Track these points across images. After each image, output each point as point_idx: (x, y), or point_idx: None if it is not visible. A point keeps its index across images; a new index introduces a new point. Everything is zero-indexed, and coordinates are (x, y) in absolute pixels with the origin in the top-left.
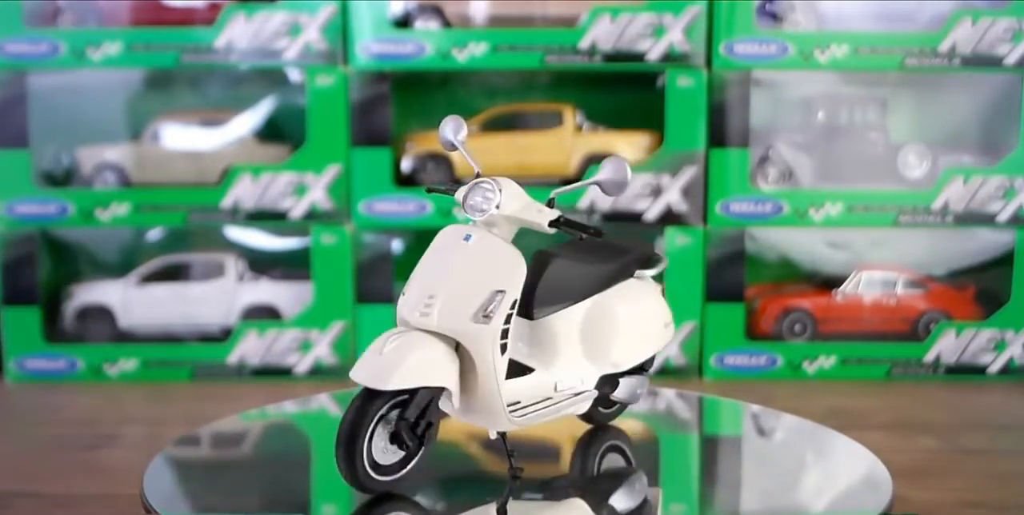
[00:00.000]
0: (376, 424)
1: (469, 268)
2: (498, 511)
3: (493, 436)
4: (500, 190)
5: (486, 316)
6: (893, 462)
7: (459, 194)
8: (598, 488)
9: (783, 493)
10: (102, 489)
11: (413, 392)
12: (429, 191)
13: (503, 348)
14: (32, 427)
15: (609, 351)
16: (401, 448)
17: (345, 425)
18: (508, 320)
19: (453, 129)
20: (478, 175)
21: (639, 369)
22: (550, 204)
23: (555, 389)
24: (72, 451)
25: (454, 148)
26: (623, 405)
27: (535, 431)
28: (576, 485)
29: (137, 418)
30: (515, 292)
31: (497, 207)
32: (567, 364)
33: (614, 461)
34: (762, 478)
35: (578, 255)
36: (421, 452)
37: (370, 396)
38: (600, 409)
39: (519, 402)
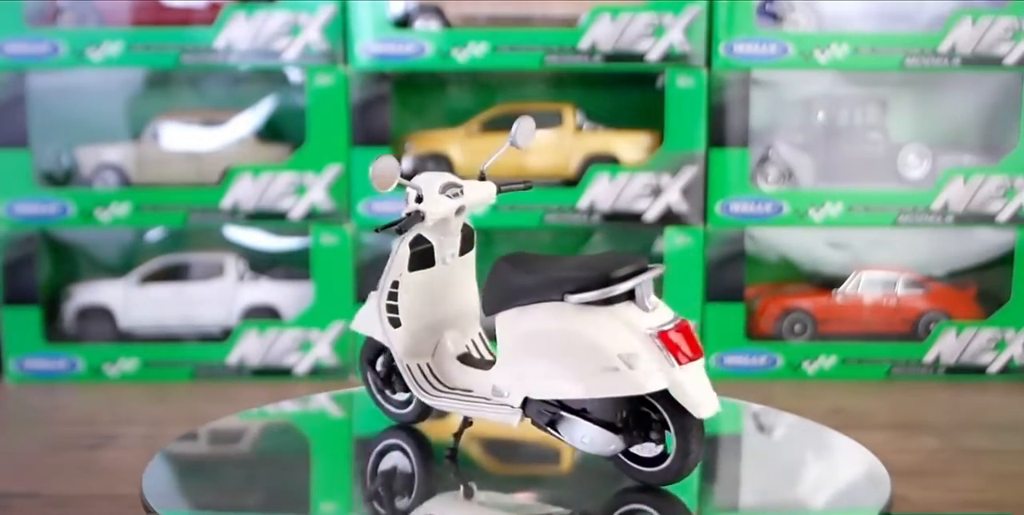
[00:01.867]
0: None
1: None
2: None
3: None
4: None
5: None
6: (893, 462)
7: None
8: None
9: (782, 492)
10: (102, 489)
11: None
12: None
13: (393, 322)
14: (32, 427)
15: (514, 373)
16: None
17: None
18: (393, 297)
19: (389, 174)
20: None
21: (604, 421)
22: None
23: (492, 391)
24: (72, 451)
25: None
26: (666, 470)
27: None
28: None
29: (137, 418)
30: (390, 275)
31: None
32: (497, 370)
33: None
34: (762, 477)
35: (526, 265)
36: (411, 399)
37: None
38: (625, 459)
39: (471, 390)
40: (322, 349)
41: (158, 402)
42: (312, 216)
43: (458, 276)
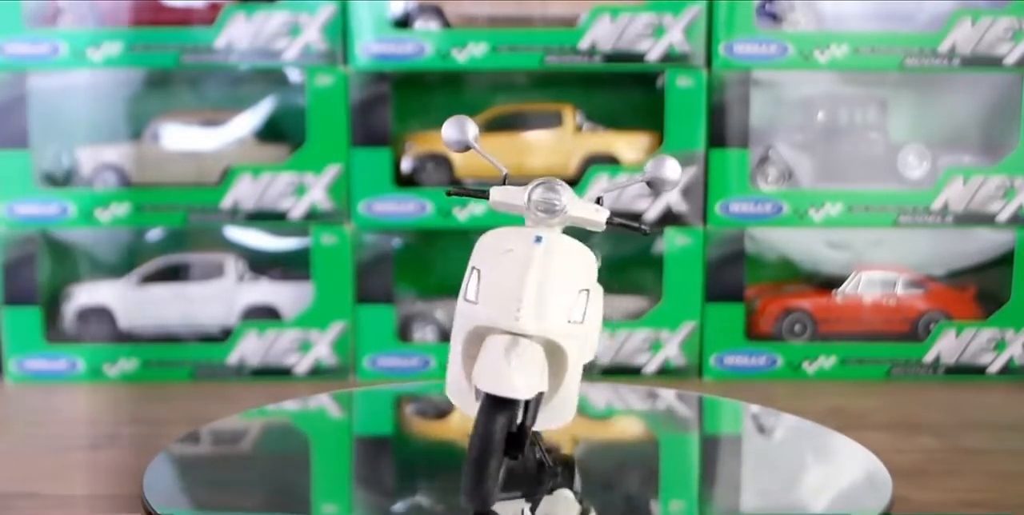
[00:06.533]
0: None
1: (552, 269)
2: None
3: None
4: (564, 190)
5: (578, 317)
6: (893, 462)
7: (524, 193)
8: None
9: (783, 493)
10: (102, 489)
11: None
12: (451, 194)
13: None
14: (32, 427)
15: None
16: (512, 457)
17: (480, 442)
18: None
19: (461, 129)
20: (506, 176)
21: None
22: (598, 202)
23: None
24: (72, 451)
25: (467, 148)
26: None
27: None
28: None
29: (137, 418)
30: (596, 290)
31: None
32: None
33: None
34: (762, 478)
35: None
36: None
37: (498, 407)
38: None
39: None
40: (322, 349)
41: (158, 402)
42: (312, 216)
43: None
